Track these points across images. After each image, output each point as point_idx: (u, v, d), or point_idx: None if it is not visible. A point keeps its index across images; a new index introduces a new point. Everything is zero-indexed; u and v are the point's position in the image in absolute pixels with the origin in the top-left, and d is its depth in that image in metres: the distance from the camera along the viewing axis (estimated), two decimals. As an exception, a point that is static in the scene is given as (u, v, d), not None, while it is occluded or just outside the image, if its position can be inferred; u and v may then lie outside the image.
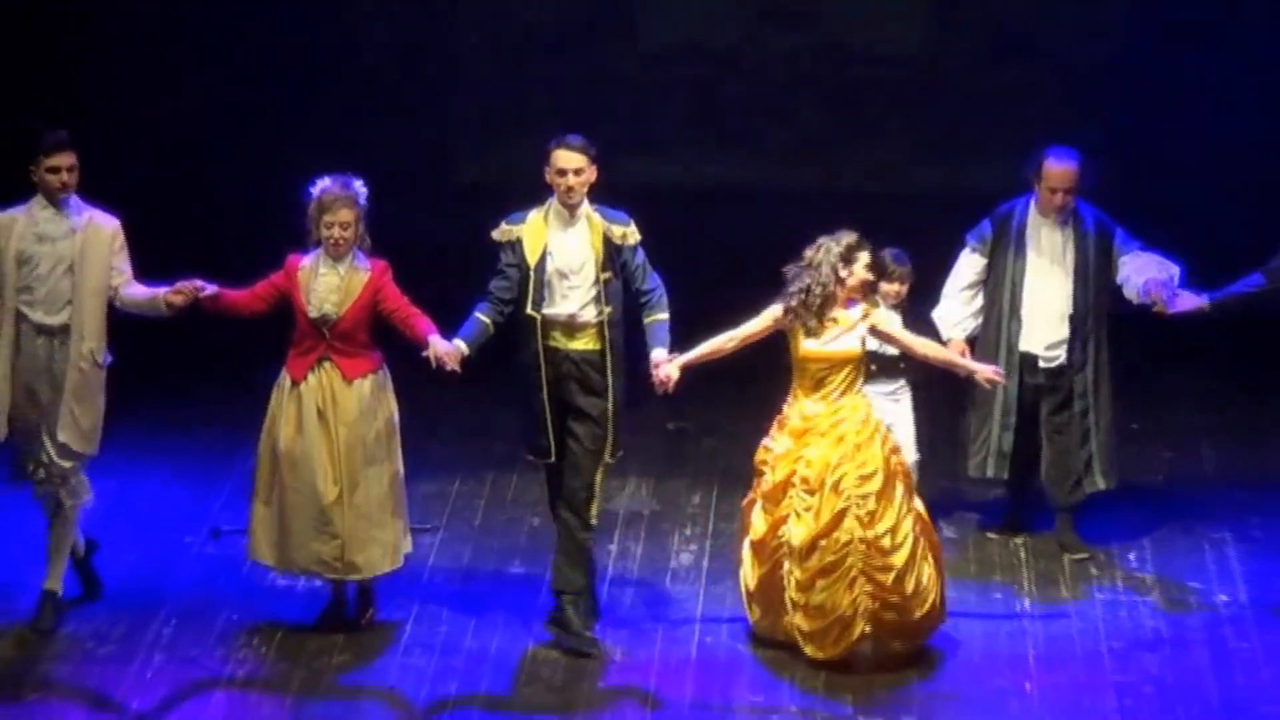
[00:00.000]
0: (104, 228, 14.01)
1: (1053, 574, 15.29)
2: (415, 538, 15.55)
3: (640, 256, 13.90)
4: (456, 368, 13.69)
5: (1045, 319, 15.09)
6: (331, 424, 14.05)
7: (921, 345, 14.25)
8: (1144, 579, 15.34)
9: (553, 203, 13.85)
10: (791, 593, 14.01)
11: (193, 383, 15.25)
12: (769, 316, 13.81)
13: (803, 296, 13.79)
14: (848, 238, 13.80)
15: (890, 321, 14.10)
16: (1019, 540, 15.52)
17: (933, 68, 19.68)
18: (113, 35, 19.64)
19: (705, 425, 16.39)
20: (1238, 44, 19.44)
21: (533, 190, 14.03)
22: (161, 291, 13.88)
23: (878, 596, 13.97)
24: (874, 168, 19.48)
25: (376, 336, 14.08)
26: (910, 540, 14.04)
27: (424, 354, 13.70)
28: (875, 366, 14.70)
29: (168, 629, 14.48)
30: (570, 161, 13.80)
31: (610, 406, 14.01)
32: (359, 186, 13.94)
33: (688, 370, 13.92)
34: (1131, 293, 14.73)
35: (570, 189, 13.79)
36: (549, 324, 13.94)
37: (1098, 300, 14.98)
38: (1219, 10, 19.40)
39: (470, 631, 14.58)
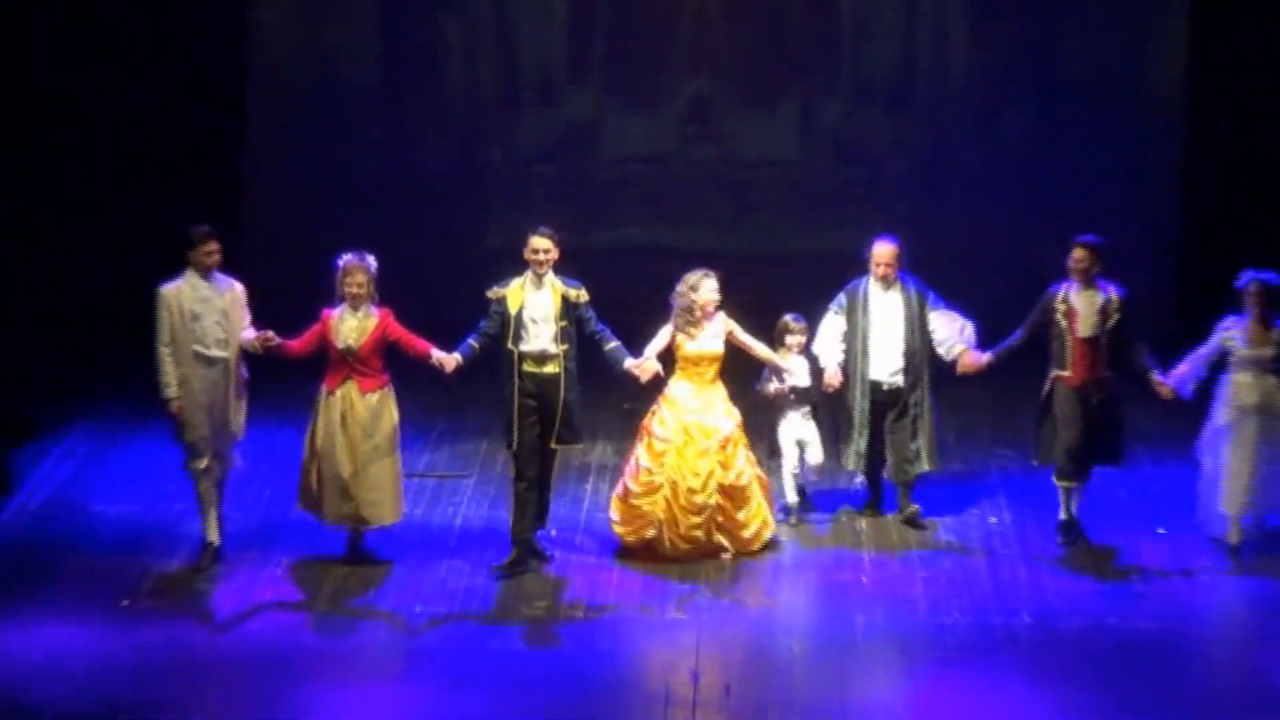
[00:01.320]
0: (238, 289, 14.52)
1: (883, 521, 15.55)
2: (453, 481, 16.06)
3: (590, 310, 14.49)
4: (450, 370, 14.28)
5: (886, 356, 15.14)
6: (350, 424, 14.40)
7: (758, 347, 14.81)
8: (941, 519, 15.52)
9: (529, 273, 14.42)
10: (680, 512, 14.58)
11: (295, 384, 15.12)
12: (666, 333, 14.62)
13: (681, 316, 14.50)
14: (694, 274, 14.58)
15: (741, 331, 14.65)
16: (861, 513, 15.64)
17: (797, 169, 19.82)
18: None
19: (648, 406, 16.35)
20: (1003, 151, 19.74)
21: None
22: (251, 338, 14.40)
23: (728, 519, 14.63)
24: (757, 237, 19.68)
25: (388, 363, 14.46)
26: (749, 481, 14.66)
27: (429, 361, 14.29)
28: (794, 395, 15.14)
29: (283, 553, 14.89)
30: (542, 244, 14.40)
31: (563, 413, 14.43)
32: (370, 259, 14.38)
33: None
34: (943, 353, 15.03)
35: (541, 263, 14.39)
36: (524, 356, 14.39)
37: (921, 341, 15.08)
38: (991, 128, 19.68)
39: (495, 548, 14.82)
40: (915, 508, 15.29)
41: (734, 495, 14.59)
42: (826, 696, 12.85)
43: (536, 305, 14.35)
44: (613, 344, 14.43)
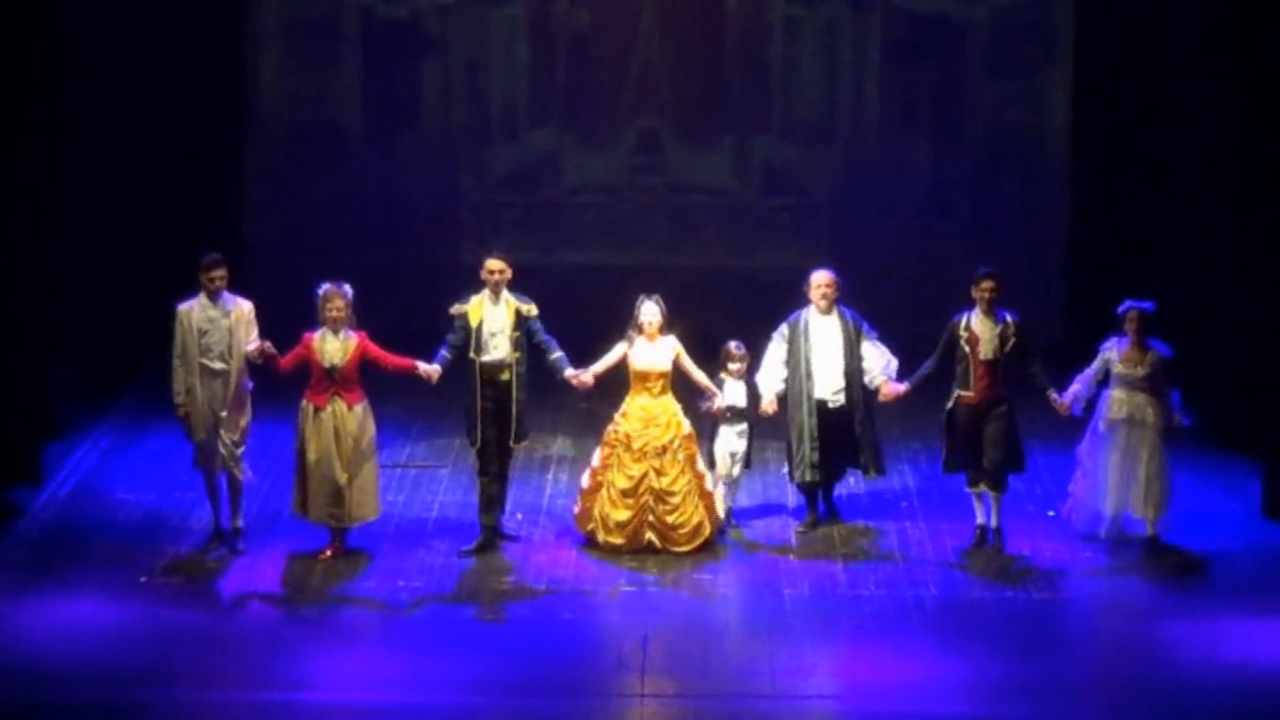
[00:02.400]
0: (245, 308, 14.60)
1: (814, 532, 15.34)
2: (431, 472, 16.04)
3: (539, 323, 14.58)
4: (435, 380, 14.36)
5: (828, 377, 14.85)
6: (342, 436, 14.40)
7: (695, 372, 14.69)
8: (858, 507, 15.44)
9: (486, 291, 14.51)
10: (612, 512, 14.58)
11: (294, 395, 14.84)
12: (620, 350, 14.66)
13: (629, 333, 14.58)
14: (640, 297, 14.56)
15: (685, 357, 14.58)
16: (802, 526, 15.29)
17: (734, 194, 19.70)
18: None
19: (603, 406, 16.00)
20: (912, 182, 19.59)
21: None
22: (252, 349, 14.46)
23: (658, 520, 14.58)
24: (697, 257, 19.60)
25: (363, 380, 14.42)
26: (683, 488, 14.59)
27: (414, 373, 14.35)
28: (730, 414, 14.86)
29: (282, 538, 14.87)
30: (496, 265, 14.52)
31: (514, 412, 14.45)
32: (347, 287, 14.36)
33: (604, 372, 14.64)
34: (867, 382, 14.80)
35: (496, 282, 14.49)
36: (484, 366, 14.45)
37: (858, 364, 14.83)
38: (901, 162, 19.60)
39: (467, 531, 14.83)
40: (839, 520, 15.20)
41: (666, 499, 14.59)
42: (758, 658, 12.97)
43: (494, 319, 14.46)
44: (556, 354, 14.57)
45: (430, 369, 14.31)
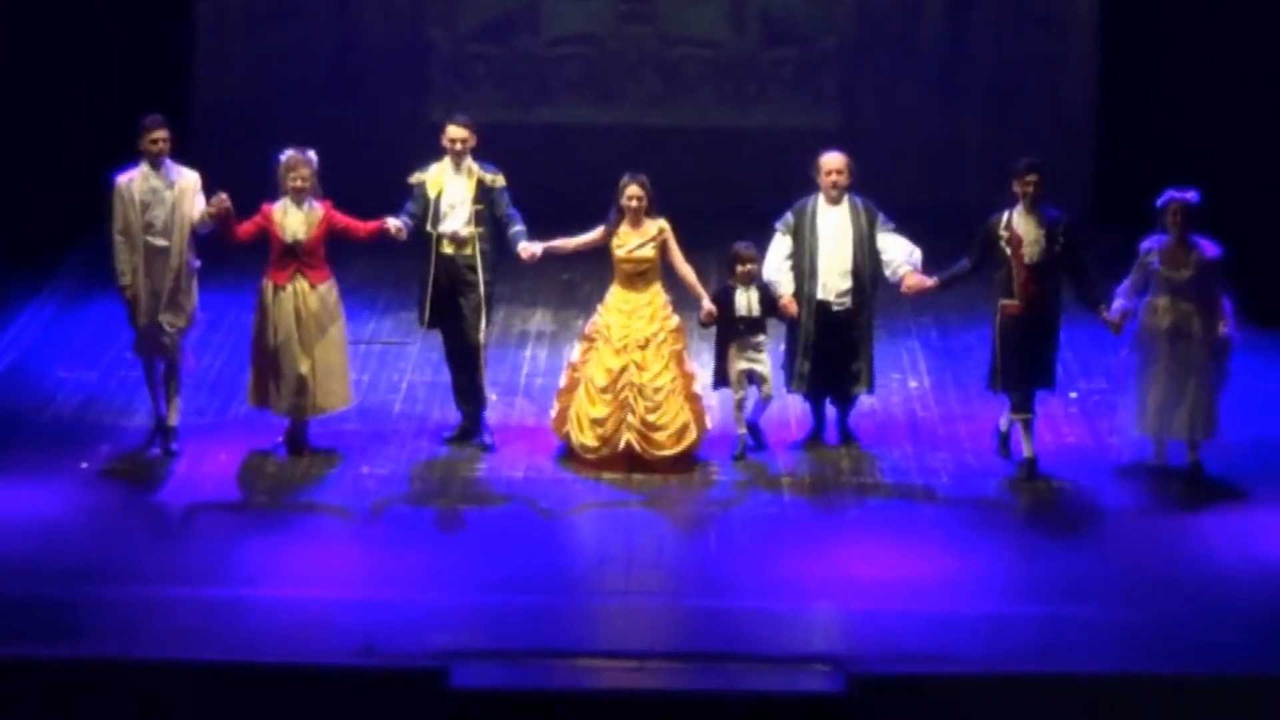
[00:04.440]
0: (190, 179, 14.09)
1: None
2: (398, 349, 15.90)
3: (505, 195, 14.15)
4: (405, 237, 14.01)
5: (833, 276, 14.02)
6: (304, 317, 14.03)
7: (684, 267, 13.94)
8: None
9: (448, 159, 14.14)
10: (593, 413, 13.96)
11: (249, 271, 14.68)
12: (596, 232, 14.03)
13: (611, 218, 13.93)
14: (622, 180, 13.90)
15: (675, 249, 13.86)
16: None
17: (729, 46, 19.38)
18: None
19: (585, 276, 16.29)
20: (926, 31, 19.24)
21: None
22: (205, 208, 13.94)
23: (639, 419, 13.90)
24: (690, 113, 19.37)
25: (330, 257, 14.09)
26: (666, 384, 13.91)
27: (383, 232, 13.97)
28: (743, 326, 14.04)
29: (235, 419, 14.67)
30: (458, 133, 14.11)
31: (480, 296, 14.11)
32: (311, 153, 13.99)
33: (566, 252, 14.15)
34: (889, 274, 14.09)
35: (457, 151, 14.06)
36: (441, 238, 14.11)
37: (869, 261, 14.03)
38: (915, 9, 19.30)
39: (439, 412, 14.74)
40: (851, 440, 14.51)
41: (647, 394, 13.86)
42: (752, 556, 12.76)
43: (454, 190, 14.13)
44: (516, 228, 14.14)
45: (399, 224, 13.97)
